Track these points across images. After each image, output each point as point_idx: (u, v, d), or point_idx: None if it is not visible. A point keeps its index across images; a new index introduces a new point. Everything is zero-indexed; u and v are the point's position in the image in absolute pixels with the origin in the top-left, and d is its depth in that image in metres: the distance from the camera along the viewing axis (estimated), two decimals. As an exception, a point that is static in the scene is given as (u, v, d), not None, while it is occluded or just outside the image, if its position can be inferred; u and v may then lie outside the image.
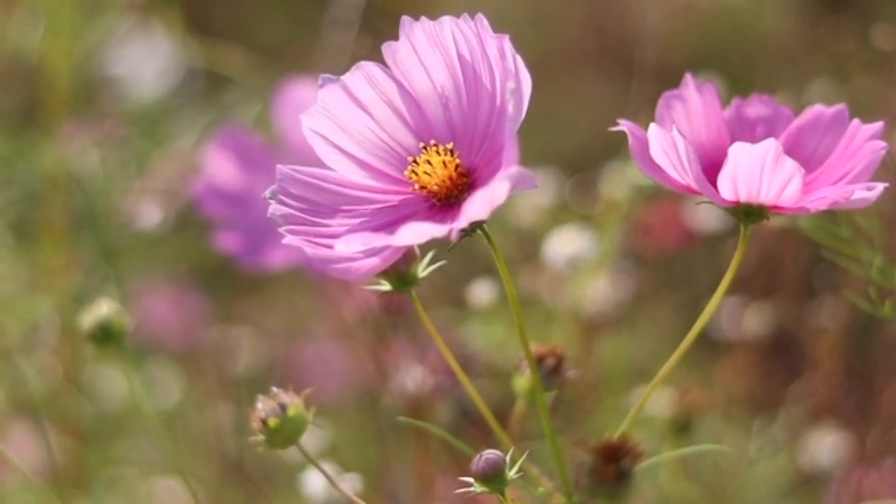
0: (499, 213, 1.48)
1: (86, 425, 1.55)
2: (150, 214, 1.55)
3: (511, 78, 0.84)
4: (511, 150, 0.81)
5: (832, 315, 1.48)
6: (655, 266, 1.56)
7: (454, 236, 0.83)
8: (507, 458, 0.88)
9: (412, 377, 1.36)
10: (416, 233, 0.82)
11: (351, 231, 0.87)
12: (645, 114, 0.96)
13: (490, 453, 0.88)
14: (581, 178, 1.51)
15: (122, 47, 1.75)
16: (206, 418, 1.61)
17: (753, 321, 1.49)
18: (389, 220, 0.88)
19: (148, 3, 1.66)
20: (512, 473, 0.88)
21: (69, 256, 1.53)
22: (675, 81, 0.95)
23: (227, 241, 1.37)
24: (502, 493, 0.88)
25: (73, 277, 1.52)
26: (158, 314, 1.84)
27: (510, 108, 0.82)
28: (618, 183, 1.44)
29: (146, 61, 1.78)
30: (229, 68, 1.59)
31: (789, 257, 1.49)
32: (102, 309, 1.06)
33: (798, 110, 0.96)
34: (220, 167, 1.40)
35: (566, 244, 1.36)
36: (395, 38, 0.89)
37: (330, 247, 0.86)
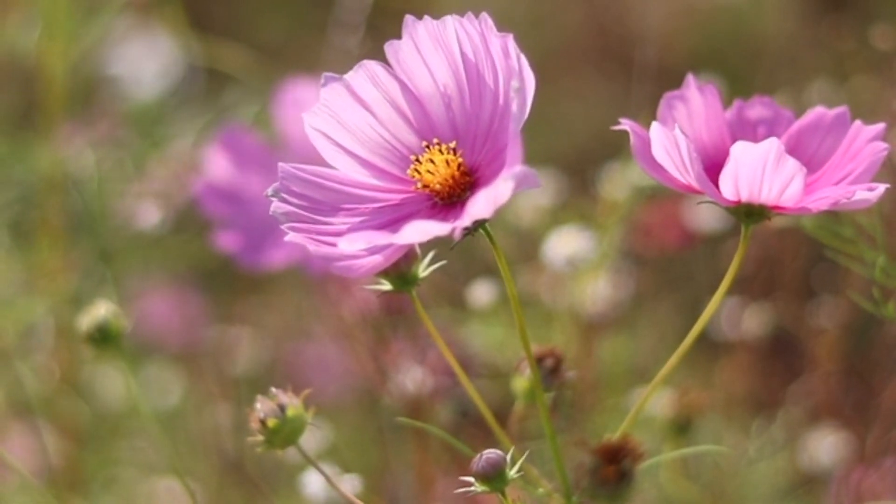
0: (499, 213, 1.48)
1: (83, 426, 1.54)
2: (149, 215, 1.55)
3: (515, 77, 0.83)
4: (515, 148, 0.81)
5: (831, 315, 1.48)
6: (655, 266, 1.56)
7: (457, 235, 0.83)
8: (508, 457, 0.88)
9: (412, 377, 1.36)
10: (419, 231, 0.81)
11: (353, 229, 0.87)
12: (645, 114, 0.96)
13: (491, 453, 0.88)
14: (581, 178, 1.51)
15: (123, 46, 1.75)
16: (206, 418, 1.61)
17: (753, 321, 1.49)
18: (391, 219, 0.88)
19: (149, 2, 1.66)
20: (512, 473, 0.88)
21: (66, 257, 1.53)
22: (675, 81, 0.95)
23: (227, 241, 1.37)
24: (503, 493, 0.88)
25: (69, 278, 1.51)
26: (158, 314, 1.84)
27: (514, 106, 0.82)
28: (618, 183, 1.44)
29: (147, 60, 1.78)
30: (230, 67, 1.59)
31: (789, 257, 1.49)
32: (100, 311, 1.05)
33: (798, 110, 0.96)
34: (220, 167, 1.40)
35: (565, 244, 1.36)
36: (397, 37, 0.89)
37: (332, 244, 0.86)
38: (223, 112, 1.57)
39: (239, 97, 1.59)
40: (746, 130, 0.94)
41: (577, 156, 1.63)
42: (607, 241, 1.43)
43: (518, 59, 0.84)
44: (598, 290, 1.45)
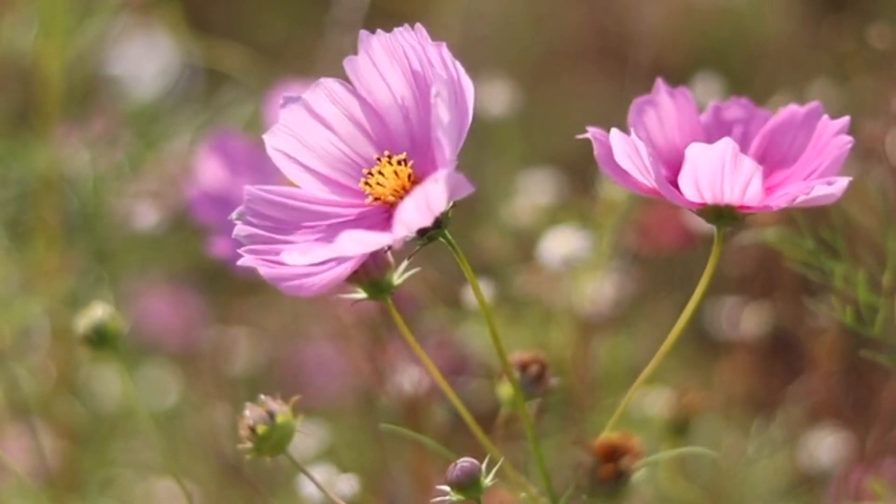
0: (497, 213, 1.49)
1: (80, 427, 1.55)
2: (146, 215, 1.55)
3: (443, 84, 0.83)
4: (442, 153, 0.81)
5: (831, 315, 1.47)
6: (654, 266, 1.56)
7: (396, 244, 0.83)
8: (484, 465, 0.88)
9: (408, 378, 1.36)
10: (356, 241, 0.81)
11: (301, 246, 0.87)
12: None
13: (465, 461, 0.88)
14: (581, 178, 1.51)
15: (122, 46, 1.75)
16: (204, 419, 1.62)
17: (752, 321, 1.49)
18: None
19: (148, 2, 1.66)
20: (488, 481, 0.88)
21: (63, 258, 1.53)
22: (674, 81, 0.95)
23: (220, 246, 1.37)
24: (479, 501, 0.88)
25: (66, 279, 1.52)
26: (157, 315, 1.84)
27: (439, 112, 0.82)
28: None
29: (146, 60, 1.78)
30: (229, 68, 1.59)
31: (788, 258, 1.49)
32: (97, 312, 1.06)
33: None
34: (211, 172, 1.40)
35: (561, 244, 1.36)
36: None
37: (283, 263, 0.86)
38: (220, 112, 1.57)
39: (236, 97, 1.60)
40: (723, 132, 0.93)
41: (577, 156, 1.62)
42: (605, 242, 1.43)
43: (454, 66, 0.84)
44: (596, 290, 1.45)
